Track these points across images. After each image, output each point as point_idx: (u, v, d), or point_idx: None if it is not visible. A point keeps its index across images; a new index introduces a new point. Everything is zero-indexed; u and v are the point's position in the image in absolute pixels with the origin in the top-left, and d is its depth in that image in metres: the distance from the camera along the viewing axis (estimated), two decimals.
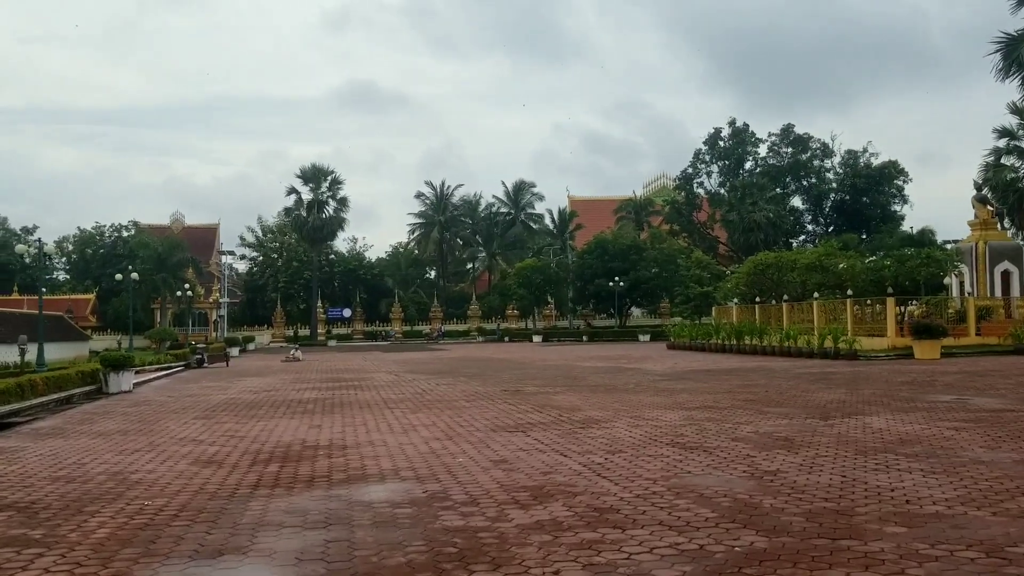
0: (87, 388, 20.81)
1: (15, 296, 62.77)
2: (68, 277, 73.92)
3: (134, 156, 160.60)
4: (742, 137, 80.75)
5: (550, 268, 70.67)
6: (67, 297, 62.71)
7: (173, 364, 34.23)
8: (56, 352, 44.44)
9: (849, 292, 36.26)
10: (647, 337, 60.87)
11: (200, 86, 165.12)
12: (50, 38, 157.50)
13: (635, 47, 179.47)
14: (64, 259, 76.22)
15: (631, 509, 7.01)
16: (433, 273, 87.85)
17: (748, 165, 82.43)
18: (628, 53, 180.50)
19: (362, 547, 6.03)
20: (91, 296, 63.28)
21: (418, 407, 16.26)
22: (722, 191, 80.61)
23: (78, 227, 79.82)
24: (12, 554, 6.01)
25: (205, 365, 35.34)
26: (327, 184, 74.63)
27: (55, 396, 18.45)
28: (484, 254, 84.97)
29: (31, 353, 27.26)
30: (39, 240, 29.31)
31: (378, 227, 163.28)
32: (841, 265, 39.82)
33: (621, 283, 65.18)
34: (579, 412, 14.60)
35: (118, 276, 48.96)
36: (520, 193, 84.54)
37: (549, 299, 75.43)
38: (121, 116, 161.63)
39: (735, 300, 46.78)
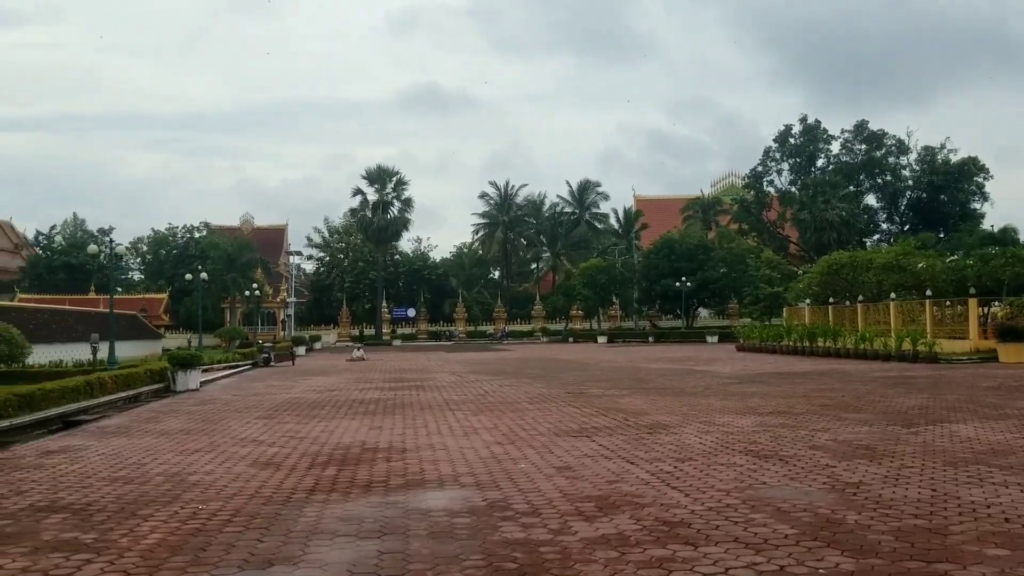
0: (155, 386, 21.07)
1: (92, 295, 64.61)
2: (142, 277, 75.93)
3: (208, 160, 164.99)
4: (813, 134, 78.68)
5: (615, 268, 69.87)
6: (141, 296, 64.33)
7: (241, 363, 34.68)
8: (130, 350, 45.60)
9: (928, 292, 34.84)
10: (715, 338, 59.68)
11: (271, 91, 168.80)
12: (128, 48, 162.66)
13: (702, 44, 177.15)
14: (138, 260, 78.36)
15: (703, 523, 6.56)
16: (497, 273, 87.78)
17: (820, 162, 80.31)
18: (694, 50, 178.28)
19: (417, 560, 5.72)
20: (164, 295, 64.81)
21: (480, 409, 15.96)
22: (793, 189, 78.65)
23: (152, 228, 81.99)
24: (61, 559, 5.86)
25: (272, 364, 35.72)
26: (392, 185, 75.13)
27: (124, 394, 18.70)
28: (548, 254, 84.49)
29: (103, 351, 27.82)
30: (111, 241, 29.81)
31: (443, 228, 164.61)
32: (920, 264, 38.35)
33: (688, 283, 64.06)
34: (646, 416, 14.12)
35: (188, 276, 49.97)
36: (585, 192, 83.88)
37: (614, 299, 74.62)
38: (196, 122, 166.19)
39: (807, 301, 45.48)
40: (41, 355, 34.38)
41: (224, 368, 32.26)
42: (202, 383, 25.14)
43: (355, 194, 74.85)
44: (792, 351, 37.73)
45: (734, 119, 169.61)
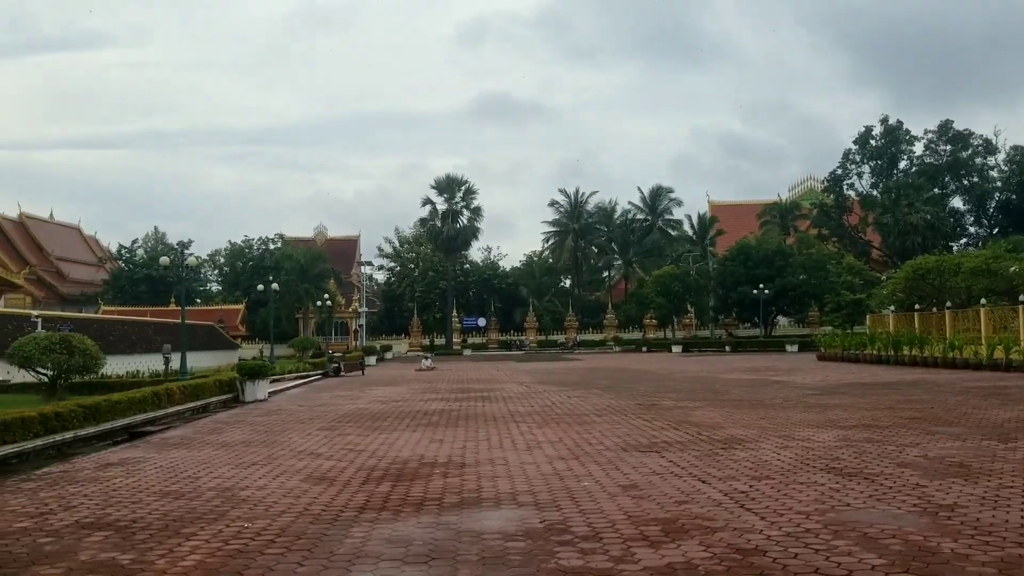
0: (224, 396, 21.15)
1: (172, 307, 66.22)
2: (220, 288, 77.65)
3: (285, 173, 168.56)
4: (895, 135, 76.04)
5: (690, 275, 68.47)
6: (219, 307, 65.76)
7: (311, 372, 34.87)
8: (207, 360, 46.50)
9: (1021, 298, 32.95)
10: (795, 347, 57.84)
11: (345, 104, 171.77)
12: (207, 65, 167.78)
13: (777, 46, 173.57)
14: (216, 271, 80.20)
15: (780, 551, 5.94)
16: (568, 282, 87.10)
17: (902, 165, 77.58)
18: (769, 52, 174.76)
19: None
20: (241, 306, 66.09)
21: (545, 421, 15.45)
22: (874, 193, 76.12)
23: (229, 241, 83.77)
24: None
25: (342, 374, 35.83)
26: (461, 194, 75.26)
27: (191, 405, 18.76)
28: (620, 262, 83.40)
29: (176, 362, 28.18)
30: (182, 253, 30.32)
31: (514, 237, 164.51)
32: (1012, 268, 36.35)
33: (766, 291, 62.22)
34: (720, 430, 13.40)
35: (260, 287, 50.76)
36: (657, 199, 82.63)
37: (689, 308, 73.17)
38: (272, 135, 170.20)
39: (891, 308, 43.64)
40: (120, 366, 35.20)
41: (296, 378, 32.44)
42: (271, 393, 25.24)
43: (424, 204, 75.32)
44: (876, 360, 36.16)
45: (811, 121, 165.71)
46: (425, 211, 75.44)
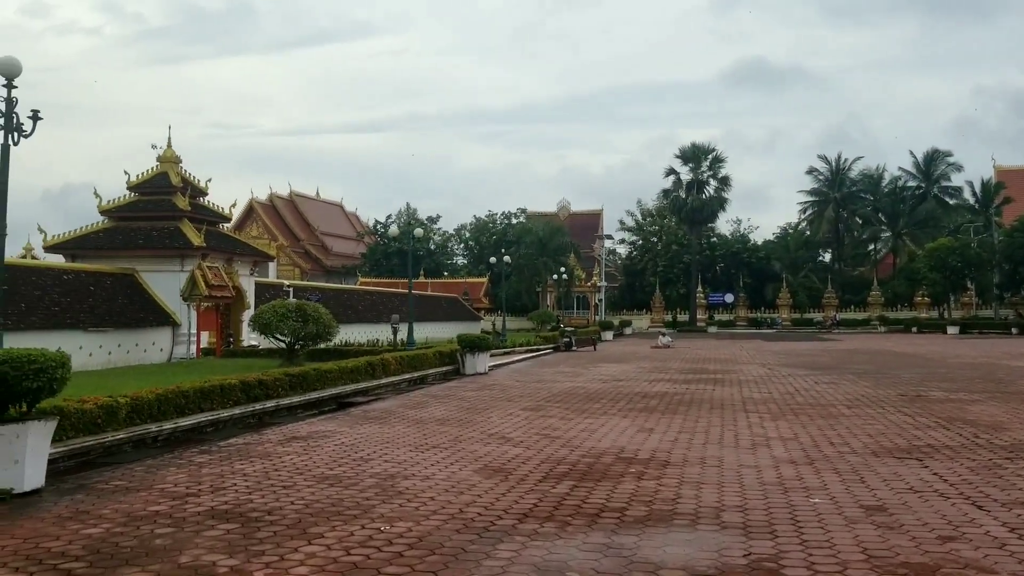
0: (443, 368, 20.71)
1: (421, 280, 69.01)
2: (465, 262, 79.77)
3: (533, 150, 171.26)
4: None
5: (970, 249, 60.63)
6: (463, 280, 67.29)
7: (542, 347, 34.19)
8: (449, 331, 47.53)
9: None
10: None
11: (595, 79, 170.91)
12: (462, 49, 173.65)
13: None
14: (462, 245, 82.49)
15: None
16: (827, 256, 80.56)
17: None
18: None
19: None
20: (484, 280, 67.30)
21: (781, 412, 13.26)
22: None
23: (474, 215, 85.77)
24: None
25: (573, 349, 34.84)
26: (707, 163, 71.62)
27: (407, 376, 18.40)
28: (888, 233, 75.66)
29: (409, 332, 28.44)
30: (409, 223, 30.58)
31: (771, 210, 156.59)
32: None
33: None
34: (1005, 433, 10.64)
35: (492, 259, 51.18)
36: (932, 164, 74.06)
37: (969, 285, 65.03)
38: (523, 113, 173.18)
39: None
40: (364, 334, 36.61)
41: (525, 351, 31.91)
42: (495, 366, 24.69)
43: (668, 174, 72.39)
44: None
45: None
46: (668, 182, 72.80)
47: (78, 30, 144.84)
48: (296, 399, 13.41)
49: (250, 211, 78.46)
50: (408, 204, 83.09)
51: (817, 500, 6.98)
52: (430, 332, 42.72)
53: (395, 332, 29.44)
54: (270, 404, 12.62)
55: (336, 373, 15.12)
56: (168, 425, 10.37)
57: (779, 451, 9.45)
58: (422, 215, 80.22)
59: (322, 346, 25.65)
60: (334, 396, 14.67)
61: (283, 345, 22.98)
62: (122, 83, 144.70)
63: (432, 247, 77.66)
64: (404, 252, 75.38)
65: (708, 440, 10.31)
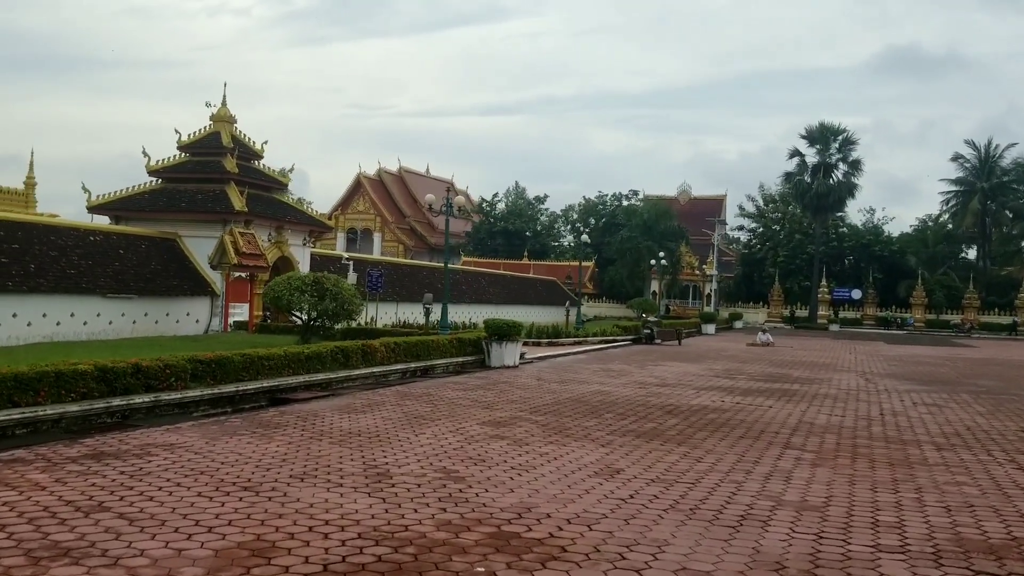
0: (462, 359, 17.58)
1: (524, 261, 66.05)
2: (572, 244, 76.05)
3: (669, 135, 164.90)
4: None
5: None
6: (568, 264, 63.95)
7: (618, 338, 30.50)
8: (541, 316, 44.57)
9: None
10: None
11: (733, 64, 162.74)
12: (598, 31, 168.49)
13: None
14: (568, 227, 78.77)
15: None
16: (971, 252, 72.36)
17: None
18: None
19: None
20: (591, 264, 63.75)
21: (836, 450, 9.47)
22: None
23: (583, 196, 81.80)
24: None
25: (656, 341, 30.99)
26: (836, 145, 65.01)
27: (400, 367, 15.37)
28: None
29: (438, 314, 25.56)
30: (462, 198, 27.62)
31: (918, 203, 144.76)
32: None
33: None
34: None
35: (584, 237, 47.72)
36: None
37: None
38: (658, 98, 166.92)
39: None
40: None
41: (596, 343, 28.41)
42: (542, 358, 21.45)
43: (792, 156, 66.14)
44: None
45: None
46: (792, 164, 66.80)
47: (228, 11, 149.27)
48: (199, 393, 10.59)
49: (358, 186, 77.53)
50: (517, 183, 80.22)
51: None
52: (516, 315, 39.84)
53: (427, 313, 26.48)
54: (148, 398, 9.85)
55: (279, 360, 12.25)
56: None
57: (775, 537, 5.85)
58: (552, 200, 76.75)
59: (353, 325, 23.15)
60: (270, 389, 11.82)
61: (297, 321, 20.60)
62: (268, 63, 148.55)
63: (539, 228, 74.50)
64: (508, 232, 72.75)
65: (678, 503, 6.75)
